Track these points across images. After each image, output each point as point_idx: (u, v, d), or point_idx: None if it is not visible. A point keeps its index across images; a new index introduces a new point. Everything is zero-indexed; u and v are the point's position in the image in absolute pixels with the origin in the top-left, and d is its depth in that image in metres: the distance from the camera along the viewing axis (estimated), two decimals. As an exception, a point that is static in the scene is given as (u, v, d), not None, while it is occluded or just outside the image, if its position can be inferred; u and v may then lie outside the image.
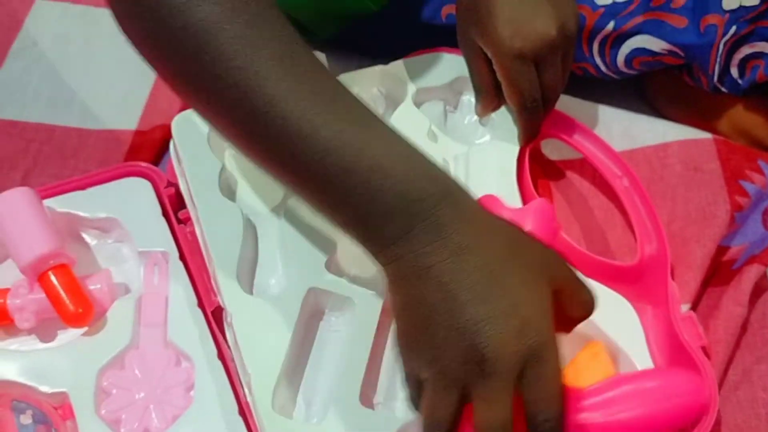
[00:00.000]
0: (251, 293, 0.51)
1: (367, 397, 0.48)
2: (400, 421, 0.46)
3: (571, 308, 0.40)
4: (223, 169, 0.54)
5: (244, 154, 0.43)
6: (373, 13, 0.64)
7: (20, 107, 0.66)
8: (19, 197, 0.52)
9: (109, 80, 0.68)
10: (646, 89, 0.69)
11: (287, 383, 0.48)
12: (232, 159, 0.54)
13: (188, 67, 0.40)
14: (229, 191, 0.54)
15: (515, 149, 0.55)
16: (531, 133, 0.55)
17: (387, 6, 0.64)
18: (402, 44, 0.61)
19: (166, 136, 0.65)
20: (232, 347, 0.50)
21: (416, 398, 0.40)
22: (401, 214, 0.38)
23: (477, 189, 0.53)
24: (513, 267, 0.38)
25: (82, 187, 0.56)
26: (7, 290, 0.51)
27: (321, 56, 0.67)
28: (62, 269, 0.51)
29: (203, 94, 0.41)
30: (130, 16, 0.42)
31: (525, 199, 0.54)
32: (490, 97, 0.55)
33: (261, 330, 0.48)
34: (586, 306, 0.41)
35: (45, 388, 0.48)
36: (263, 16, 0.40)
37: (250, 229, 0.53)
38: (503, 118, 0.56)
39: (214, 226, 0.52)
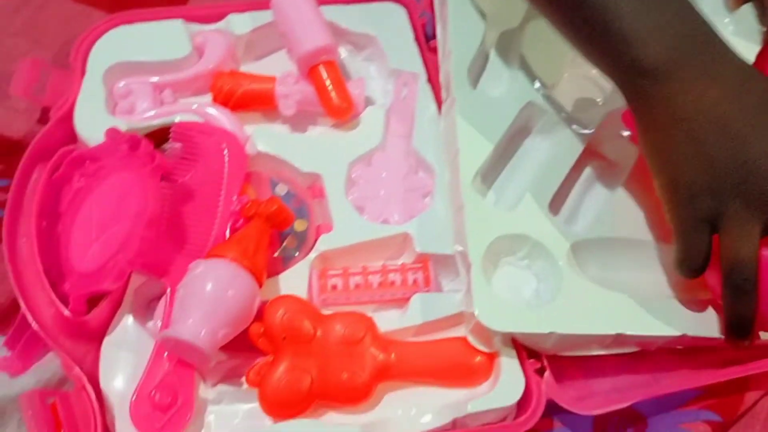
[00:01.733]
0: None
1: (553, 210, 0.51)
2: (577, 236, 0.50)
3: None
4: None
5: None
6: None
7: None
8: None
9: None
10: None
11: (485, 175, 0.52)
12: None
13: None
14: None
15: (756, 47, 0.56)
16: None
17: None
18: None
19: None
20: (444, 130, 0.54)
21: (700, 243, 0.43)
22: (669, 49, 0.43)
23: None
24: None
25: (347, 2, 0.60)
26: (273, 78, 0.56)
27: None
28: (331, 65, 0.55)
29: None
30: None
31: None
32: None
33: (478, 119, 0.52)
34: None
35: (301, 167, 0.54)
36: None
37: (491, 34, 0.56)
38: (750, 14, 0.57)
39: (458, 25, 0.55)
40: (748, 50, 0.56)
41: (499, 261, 0.51)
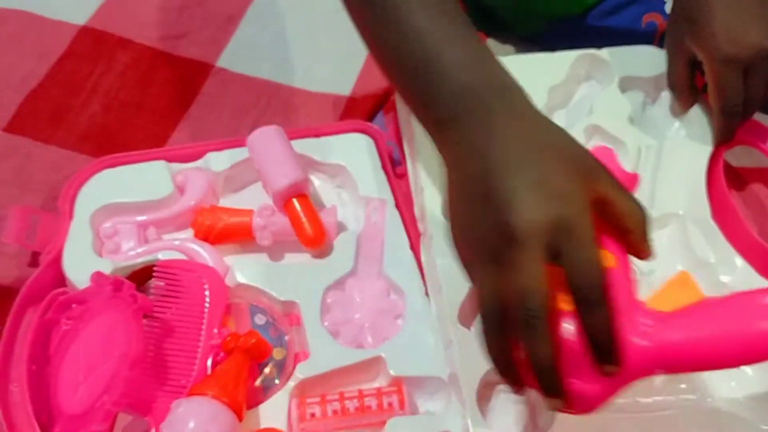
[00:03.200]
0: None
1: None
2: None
3: (620, 219, 0.41)
4: None
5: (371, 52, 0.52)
6: (573, 15, 0.71)
7: (252, 64, 0.75)
8: (272, 133, 0.60)
9: (329, 50, 0.77)
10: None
11: (469, 307, 0.53)
12: None
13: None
14: None
15: (707, 149, 0.60)
16: (726, 137, 0.59)
17: (590, 9, 0.70)
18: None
19: (375, 104, 0.73)
20: (426, 265, 0.56)
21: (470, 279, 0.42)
22: (456, 97, 0.44)
23: (665, 179, 0.59)
24: (552, 153, 0.41)
25: (317, 135, 0.64)
26: (250, 211, 0.60)
27: (510, 49, 0.74)
28: (304, 198, 0.59)
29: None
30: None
31: (714, 198, 0.58)
32: (685, 96, 0.60)
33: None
34: (633, 214, 0.41)
35: (279, 295, 0.56)
36: None
37: None
38: (698, 118, 0.61)
39: (428, 160, 0.58)
40: (700, 152, 0.60)
41: (492, 393, 0.52)
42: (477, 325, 0.42)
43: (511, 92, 0.44)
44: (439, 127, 0.46)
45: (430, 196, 0.57)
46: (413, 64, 0.47)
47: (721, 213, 0.58)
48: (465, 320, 0.53)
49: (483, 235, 0.40)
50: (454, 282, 0.52)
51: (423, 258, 0.58)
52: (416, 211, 0.60)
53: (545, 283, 0.39)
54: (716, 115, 0.59)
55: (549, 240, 0.39)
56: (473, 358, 0.49)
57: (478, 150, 0.42)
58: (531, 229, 0.39)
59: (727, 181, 0.64)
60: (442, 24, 0.47)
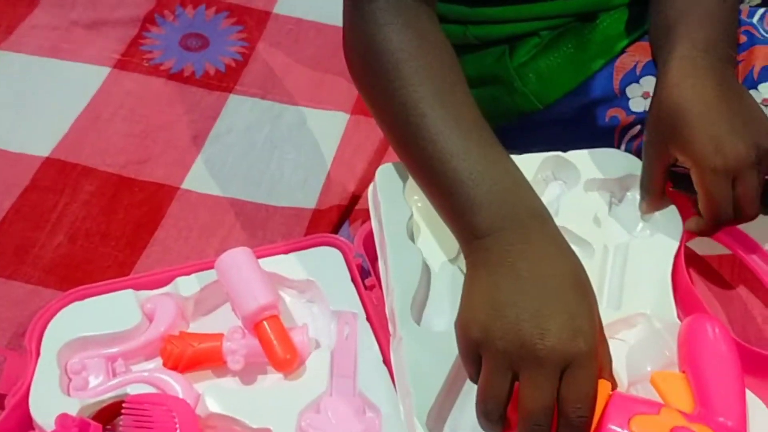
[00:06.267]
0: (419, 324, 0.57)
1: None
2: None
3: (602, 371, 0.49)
4: (411, 215, 0.61)
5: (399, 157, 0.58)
6: (536, 111, 0.72)
7: (218, 183, 0.76)
8: (240, 255, 0.60)
9: (292, 165, 0.79)
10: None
11: (438, 410, 0.53)
12: (419, 209, 0.62)
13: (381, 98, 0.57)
14: (413, 235, 0.61)
15: (674, 245, 0.60)
16: (707, 234, 0.60)
17: (550, 105, 0.72)
18: (558, 141, 0.68)
19: (340, 215, 0.74)
20: (395, 368, 0.56)
21: (473, 371, 0.48)
22: (495, 219, 0.51)
23: (632, 279, 0.60)
24: (578, 290, 0.49)
25: (285, 252, 0.64)
26: (220, 335, 0.59)
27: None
28: (275, 320, 0.58)
29: (382, 114, 0.58)
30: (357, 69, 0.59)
31: (679, 295, 0.59)
32: (658, 199, 0.61)
33: (425, 356, 0.54)
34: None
35: (252, 423, 0.55)
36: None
37: (427, 271, 0.59)
38: (664, 216, 0.62)
39: (398, 263, 0.59)
40: (665, 252, 0.61)
41: None
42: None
43: (545, 219, 0.52)
44: (472, 239, 0.52)
45: (401, 296, 0.57)
46: (449, 183, 0.53)
47: (687, 310, 0.58)
48: (434, 424, 0.53)
49: (507, 343, 0.46)
50: (423, 385, 0.53)
51: (392, 360, 0.57)
52: (387, 311, 0.59)
53: (553, 402, 0.45)
54: (708, 223, 0.58)
55: (563, 367, 0.46)
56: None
57: (514, 266, 0.49)
58: (555, 359, 0.45)
59: (696, 270, 0.65)
60: (472, 140, 0.54)
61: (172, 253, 0.69)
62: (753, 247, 0.63)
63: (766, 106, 0.63)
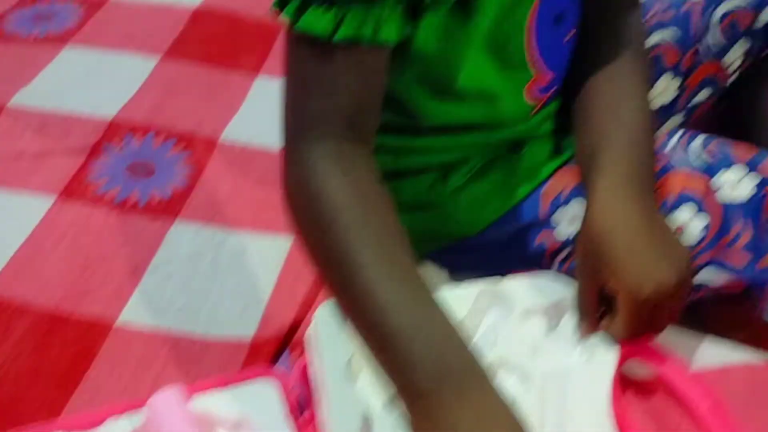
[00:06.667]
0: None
1: None
2: None
3: None
4: (351, 358, 0.60)
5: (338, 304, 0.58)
6: (468, 237, 0.73)
7: (155, 315, 0.75)
8: (170, 397, 0.58)
9: (231, 294, 0.78)
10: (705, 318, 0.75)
11: None
12: (360, 352, 0.60)
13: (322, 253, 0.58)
14: (353, 378, 0.60)
15: (611, 368, 0.61)
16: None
17: (482, 230, 0.73)
18: (493, 264, 0.70)
19: (279, 345, 0.73)
20: None
21: None
22: (433, 375, 0.51)
23: (571, 405, 0.59)
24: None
25: (220, 386, 0.63)
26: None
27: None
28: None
29: (323, 266, 0.58)
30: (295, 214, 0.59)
31: (617, 421, 0.58)
32: (594, 323, 0.61)
33: None
34: None
35: None
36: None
37: (366, 422, 0.57)
38: (601, 339, 0.62)
39: (337, 407, 0.58)
40: (601, 377, 0.60)
41: None
42: None
43: (481, 374, 0.53)
44: (412, 398, 0.53)
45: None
46: (384, 337, 0.53)
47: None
48: None
49: None
50: None
51: None
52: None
53: None
54: (618, 339, 0.60)
55: None
56: None
57: (450, 422, 0.50)
58: None
59: (633, 394, 0.65)
60: (407, 292, 0.55)
61: (103, 392, 0.67)
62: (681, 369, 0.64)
63: (679, 234, 0.65)
